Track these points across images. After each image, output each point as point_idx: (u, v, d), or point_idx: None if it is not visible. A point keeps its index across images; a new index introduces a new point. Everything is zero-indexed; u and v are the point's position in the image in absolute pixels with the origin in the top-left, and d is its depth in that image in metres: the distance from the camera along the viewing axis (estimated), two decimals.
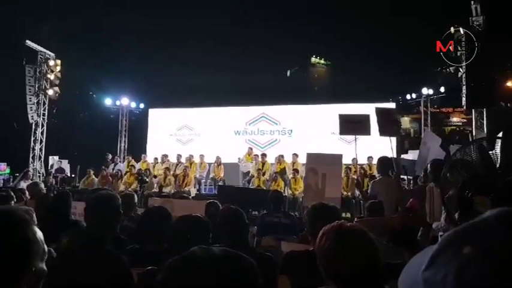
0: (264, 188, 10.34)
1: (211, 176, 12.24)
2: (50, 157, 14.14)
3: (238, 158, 12.73)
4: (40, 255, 0.97)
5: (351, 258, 1.40)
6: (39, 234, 0.99)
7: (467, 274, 0.39)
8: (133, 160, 13.01)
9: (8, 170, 13.47)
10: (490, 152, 2.13)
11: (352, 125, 7.42)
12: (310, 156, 6.94)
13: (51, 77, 13.91)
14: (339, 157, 6.89)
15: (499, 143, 2.14)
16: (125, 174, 11.86)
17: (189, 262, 0.78)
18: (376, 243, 1.47)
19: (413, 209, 3.75)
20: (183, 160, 12.64)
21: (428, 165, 4.42)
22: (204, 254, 0.79)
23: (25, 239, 0.95)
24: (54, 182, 12.29)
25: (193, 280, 0.75)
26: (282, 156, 11.84)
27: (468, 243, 0.42)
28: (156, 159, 13.10)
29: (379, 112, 6.98)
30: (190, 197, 9.55)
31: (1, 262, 0.91)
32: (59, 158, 13.96)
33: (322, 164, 6.19)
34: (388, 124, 6.85)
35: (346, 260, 1.41)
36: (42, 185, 5.73)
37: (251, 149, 13.15)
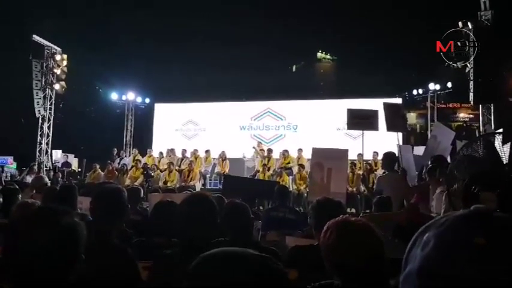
0: None
1: (216, 170, 12.27)
2: (54, 151, 14.22)
3: (243, 154, 12.73)
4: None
5: (355, 253, 1.40)
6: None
7: (426, 247, 0.56)
8: (139, 154, 13.07)
9: (14, 165, 13.57)
10: (497, 148, 2.12)
11: (360, 121, 7.40)
12: (315, 151, 6.92)
13: (58, 71, 13.97)
14: (344, 152, 6.87)
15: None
16: (131, 168, 11.91)
17: (214, 262, 0.78)
18: (381, 239, 1.47)
19: (418, 205, 3.73)
20: (188, 155, 12.68)
21: (429, 162, 4.40)
22: (230, 254, 0.80)
23: (80, 235, 1.21)
24: (60, 176, 12.38)
25: (221, 281, 0.75)
26: (287, 151, 11.84)
27: (429, 230, 0.58)
28: (161, 153, 13.15)
29: (387, 107, 6.95)
30: (193, 191, 9.56)
31: (72, 254, 1.17)
32: (66, 152, 14.05)
33: (327, 159, 6.18)
34: (396, 119, 6.82)
35: (350, 255, 1.40)
36: (47, 179, 5.74)
37: (260, 143, 13.18)
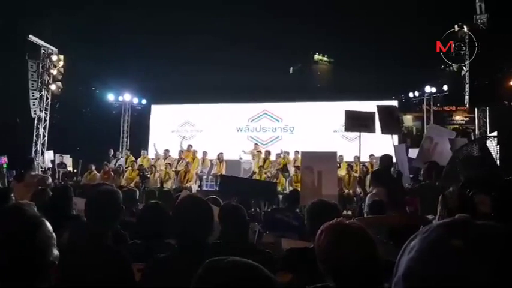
0: None
1: (212, 172, 12.26)
2: (46, 152, 14.09)
3: (240, 156, 12.71)
4: (54, 244, 1.11)
5: (349, 256, 1.40)
6: (49, 225, 1.13)
7: (411, 252, 0.61)
8: (131, 155, 13.05)
9: (5, 165, 13.40)
10: (492, 151, 2.12)
11: (358, 122, 7.41)
12: (304, 154, 6.95)
13: (54, 72, 13.93)
14: (332, 154, 6.88)
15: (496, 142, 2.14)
16: (126, 169, 11.90)
17: (224, 270, 0.80)
18: (375, 242, 1.47)
19: (413, 207, 3.75)
20: (184, 146, 12.79)
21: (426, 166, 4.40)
22: (227, 265, 0.81)
23: (44, 237, 1.09)
24: (57, 177, 12.31)
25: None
26: (287, 152, 11.88)
27: (416, 238, 0.63)
28: (156, 154, 13.16)
29: (381, 110, 6.98)
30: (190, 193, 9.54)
31: (25, 260, 1.04)
32: (61, 153, 13.97)
33: (316, 162, 6.19)
34: (389, 122, 6.85)
35: (344, 257, 1.40)
36: (50, 180, 5.58)
37: (257, 145, 13.21)
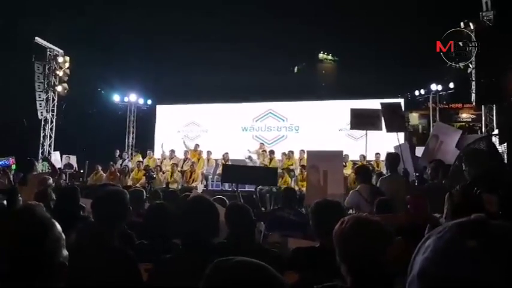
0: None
1: (218, 172, 12.27)
2: (52, 153, 14.16)
3: (245, 156, 12.70)
4: (64, 245, 1.10)
5: (368, 243, 1.42)
6: (59, 226, 1.12)
7: (426, 252, 0.61)
8: (140, 156, 13.14)
9: (14, 167, 13.51)
10: (499, 148, 2.11)
11: (364, 120, 7.37)
12: (310, 153, 6.92)
13: (60, 73, 14.02)
14: (339, 153, 6.85)
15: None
16: (132, 170, 11.95)
17: (231, 270, 0.81)
18: (394, 237, 1.48)
19: (419, 206, 3.72)
20: (191, 146, 12.84)
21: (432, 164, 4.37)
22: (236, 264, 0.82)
23: (55, 237, 1.08)
24: (63, 178, 12.37)
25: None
26: (292, 152, 11.87)
27: (430, 238, 0.63)
28: (163, 154, 13.20)
29: (385, 108, 6.95)
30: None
31: (35, 261, 1.03)
32: (68, 154, 14.03)
33: (322, 161, 6.16)
34: (394, 120, 6.81)
35: (364, 245, 1.42)
36: (51, 180, 5.64)
37: (262, 144, 13.22)
